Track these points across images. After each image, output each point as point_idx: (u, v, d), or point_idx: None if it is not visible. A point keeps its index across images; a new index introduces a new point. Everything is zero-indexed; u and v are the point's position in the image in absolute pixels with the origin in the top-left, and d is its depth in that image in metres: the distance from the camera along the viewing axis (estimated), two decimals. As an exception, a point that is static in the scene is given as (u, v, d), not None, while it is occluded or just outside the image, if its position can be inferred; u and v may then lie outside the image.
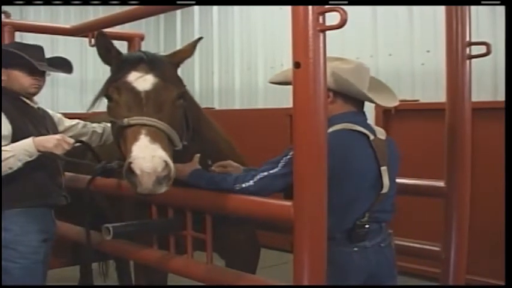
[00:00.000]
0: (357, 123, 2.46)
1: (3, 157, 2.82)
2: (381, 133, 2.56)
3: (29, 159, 2.87)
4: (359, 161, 2.40)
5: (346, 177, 2.34)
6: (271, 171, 2.37)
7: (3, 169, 2.83)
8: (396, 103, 2.69)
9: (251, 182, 2.41)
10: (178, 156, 2.52)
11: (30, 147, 2.85)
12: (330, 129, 2.42)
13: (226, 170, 2.81)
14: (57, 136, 2.94)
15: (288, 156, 2.31)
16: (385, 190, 2.46)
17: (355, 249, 2.43)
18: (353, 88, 2.43)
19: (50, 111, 3.38)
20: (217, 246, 2.96)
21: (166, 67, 2.58)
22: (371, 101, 2.51)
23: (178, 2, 3.17)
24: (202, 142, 2.84)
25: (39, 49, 3.20)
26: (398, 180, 2.63)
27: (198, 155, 2.73)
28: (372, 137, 2.47)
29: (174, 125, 2.46)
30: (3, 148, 2.84)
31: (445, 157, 3.01)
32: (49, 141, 2.88)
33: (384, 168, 2.46)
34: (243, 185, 2.43)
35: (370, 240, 2.46)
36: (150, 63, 2.53)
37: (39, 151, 2.86)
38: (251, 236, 3.27)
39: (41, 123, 3.15)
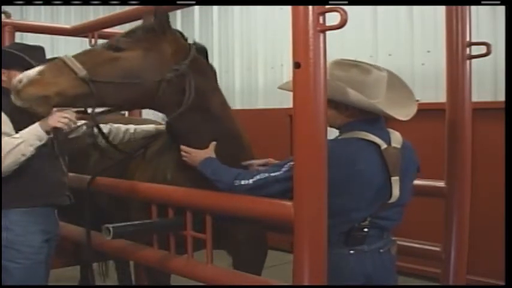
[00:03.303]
0: (369, 131, 2.38)
1: (15, 143, 2.82)
2: (397, 141, 2.45)
3: (39, 143, 2.86)
4: (363, 172, 2.31)
5: (347, 186, 2.27)
6: (272, 174, 2.37)
7: (16, 157, 2.83)
8: (409, 117, 2.48)
9: (250, 181, 2.41)
10: (193, 140, 2.74)
11: (38, 131, 2.85)
12: (340, 137, 2.41)
13: None
14: (58, 113, 2.86)
15: (292, 162, 2.30)
16: (393, 200, 2.38)
17: (352, 252, 2.38)
18: (363, 102, 2.35)
19: (54, 109, 3.38)
20: (225, 243, 2.97)
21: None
22: (382, 113, 2.41)
23: (179, 2, 3.17)
24: (220, 130, 2.84)
25: (40, 50, 3.22)
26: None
27: (214, 142, 2.76)
28: (383, 146, 2.37)
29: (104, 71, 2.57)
30: (12, 136, 2.85)
31: (445, 157, 3.01)
32: (51, 119, 2.84)
33: (395, 179, 2.37)
34: (242, 182, 2.43)
35: (369, 245, 2.41)
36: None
37: (46, 132, 2.85)
38: (260, 235, 3.26)
39: None
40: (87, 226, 3.11)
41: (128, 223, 2.84)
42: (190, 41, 2.83)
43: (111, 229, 2.61)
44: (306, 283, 2.09)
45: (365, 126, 2.40)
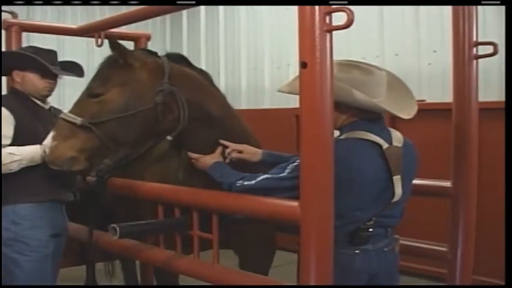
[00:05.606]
0: (370, 131, 2.37)
1: (9, 160, 2.96)
2: (398, 140, 2.46)
3: (30, 164, 3.01)
4: (365, 172, 2.31)
5: (349, 187, 2.27)
6: (275, 175, 2.39)
7: (3, 170, 2.96)
8: (411, 115, 2.47)
9: (253, 182, 2.43)
10: (197, 147, 2.79)
11: (36, 154, 2.97)
12: (341, 137, 2.40)
13: (241, 156, 2.82)
14: None
15: (295, 164, 2.31)
16: (396, 199, 2.39)
17: (357, 251, 2.39)
18: (367, 102, 2.34)
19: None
20: (233, 243, 2.98)
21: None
22: (386, 112, 2.41)
23: (178, 2, 3.16)
24: (225, 131, 2.86)
25: (52, 53, 3.29)
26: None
27: (221, 147, 2.79)
28: (385, 145, 2.37)
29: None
30: (11, 151, 2.97)
31: (451, 157, 3.00)
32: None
33: (396, 178, 2.37)
34: (245, 183, 2.45)
35: (374, 244, 2.42)
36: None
37: (42, 157, 2.92)
38: (268, 235, 3.25)
39: (52, 123, 3.18)
40: (91, 225, 3.13)
41: (135, 223, 2.86)
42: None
43: (117, 229, 2.62)
44: (312, 283, 2.09)
45: (366, 126, 2.40)
